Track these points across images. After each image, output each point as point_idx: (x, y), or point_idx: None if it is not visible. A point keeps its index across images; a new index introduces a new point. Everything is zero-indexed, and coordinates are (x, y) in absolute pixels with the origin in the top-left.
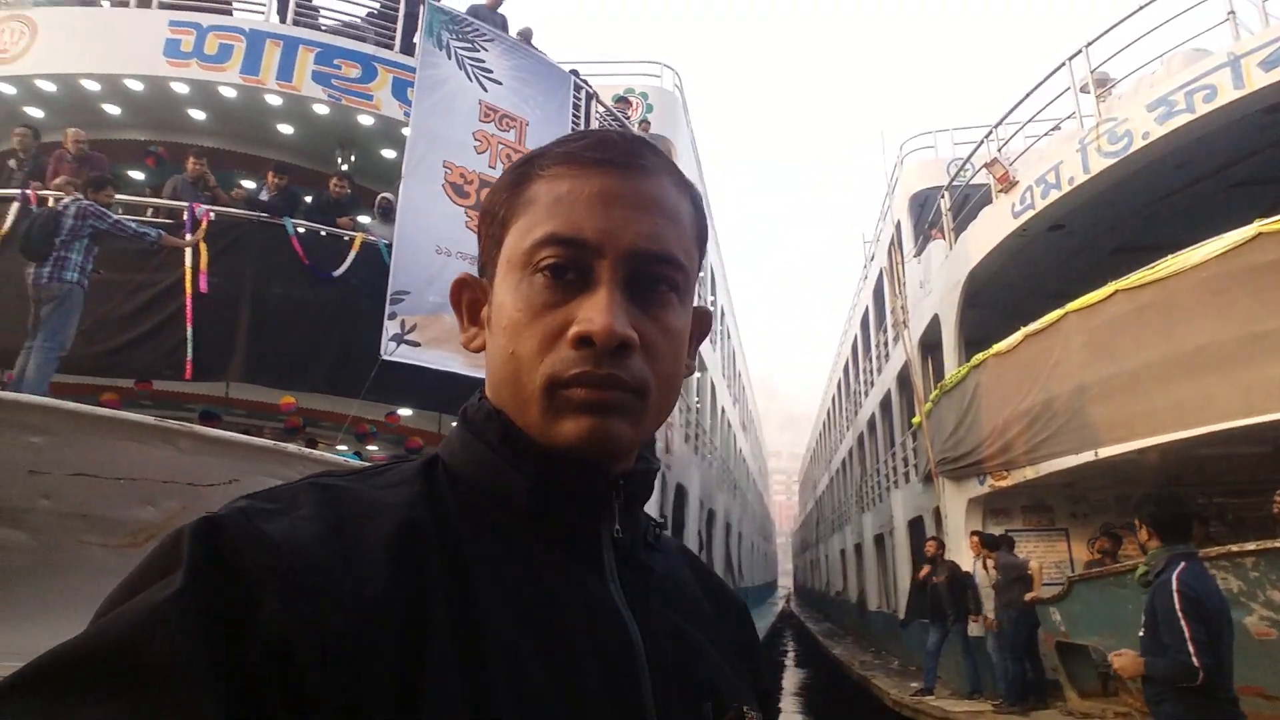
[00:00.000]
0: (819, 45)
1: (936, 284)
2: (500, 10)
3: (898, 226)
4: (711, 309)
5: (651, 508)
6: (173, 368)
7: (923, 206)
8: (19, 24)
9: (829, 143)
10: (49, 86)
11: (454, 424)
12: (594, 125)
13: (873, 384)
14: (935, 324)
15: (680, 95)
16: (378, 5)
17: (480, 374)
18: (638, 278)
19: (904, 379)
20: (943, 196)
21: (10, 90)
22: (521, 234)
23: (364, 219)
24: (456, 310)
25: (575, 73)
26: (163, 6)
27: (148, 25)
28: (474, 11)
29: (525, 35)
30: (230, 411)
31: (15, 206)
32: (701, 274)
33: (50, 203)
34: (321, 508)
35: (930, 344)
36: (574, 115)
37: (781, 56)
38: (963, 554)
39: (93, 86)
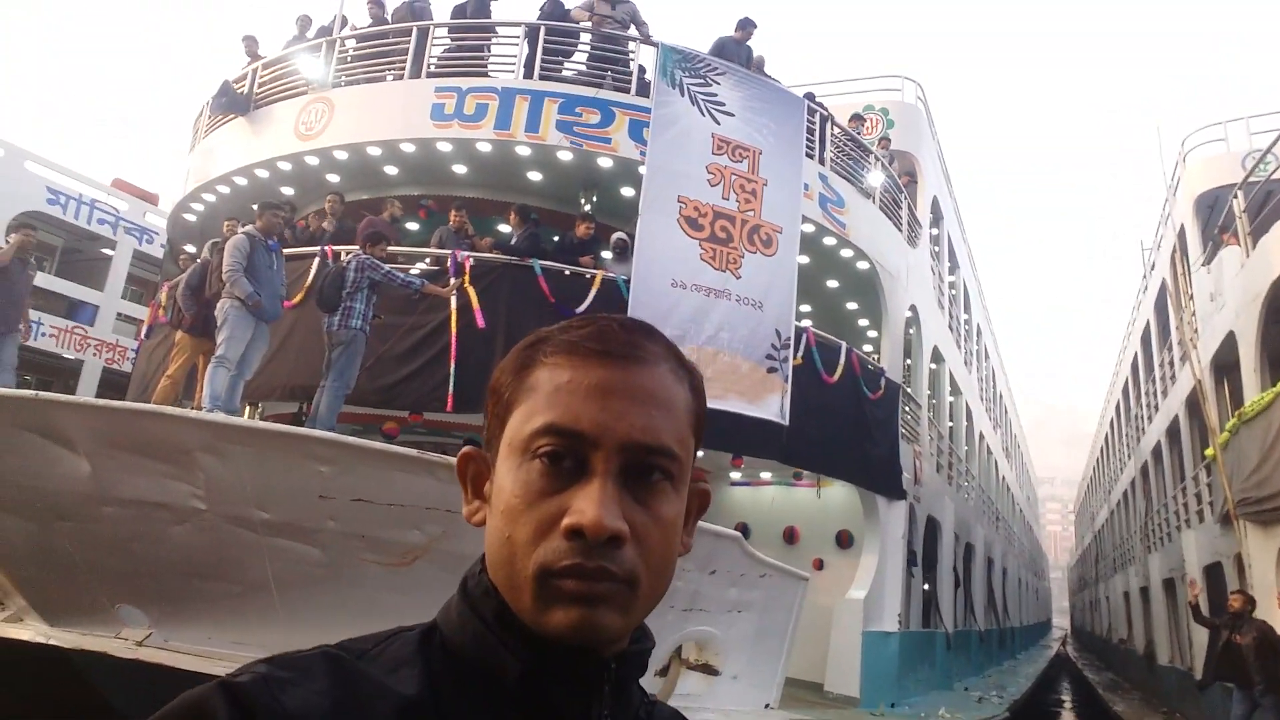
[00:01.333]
0: (1086, 33)
1: (1231, 297)
2: (748, 42)
3: (1181, 232)
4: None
5: (895, 543)
6: (438, 401)
7: (1211, 208)
8: (321, 104)
9: (1099, 136)
10: (342, 155)
11: (456, 592)
12: (828, 148)
13: (1156, 408)
14: (1230, 342)
15: (924, 108)
16: (612, 51)
17: (728, 407)
18: (632, 468)
19: (1194, 404)
20: (1236, 196)
21: (314, 161)
22: (523, 419)
23: (606, 254)
24: (462, 482)
25: (810, 96)
26: (431, 75)
27: (418, 94)
28: (721, 44)
29: (758, 64)
30: None
31: (316, 262)
32: (953, 291)
33: (342, 259)
34: (332, 683)
35: (1225, 365)
36: (808, 139)
37: (1041, 50)
38: (1273, 612)
39: (375, 152)
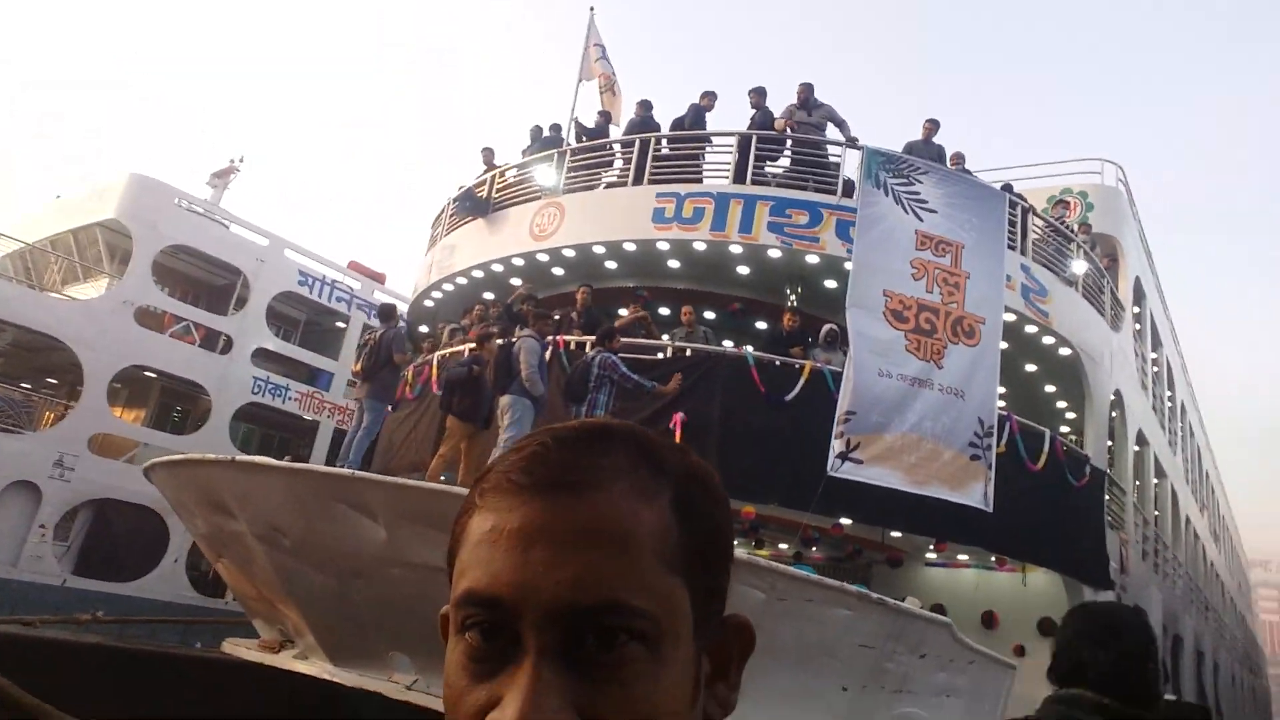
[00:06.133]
0: None
1: None
2: (935, 140)
3: None
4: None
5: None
6: None
7: None
8: (553, 209)
9: None
10: (570, 253)
11: None
12: (1029, 239)
13: None
14: None
15: (1125, 189)
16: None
17: (930, 493)
18: (579, 635)
19: None
20: None
21: (545, 258)
22: (455, 582)
23: (817, 350)
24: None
25: (1008, 187)
26: (651, 182)
27: (640, 199)
28: (910, 147)
29: (958, 160)
30: None
31: (549, 354)
32: (1156, 369)
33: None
34: None
35: None
36: (1010, 231)
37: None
38: None
39: (599, 250)
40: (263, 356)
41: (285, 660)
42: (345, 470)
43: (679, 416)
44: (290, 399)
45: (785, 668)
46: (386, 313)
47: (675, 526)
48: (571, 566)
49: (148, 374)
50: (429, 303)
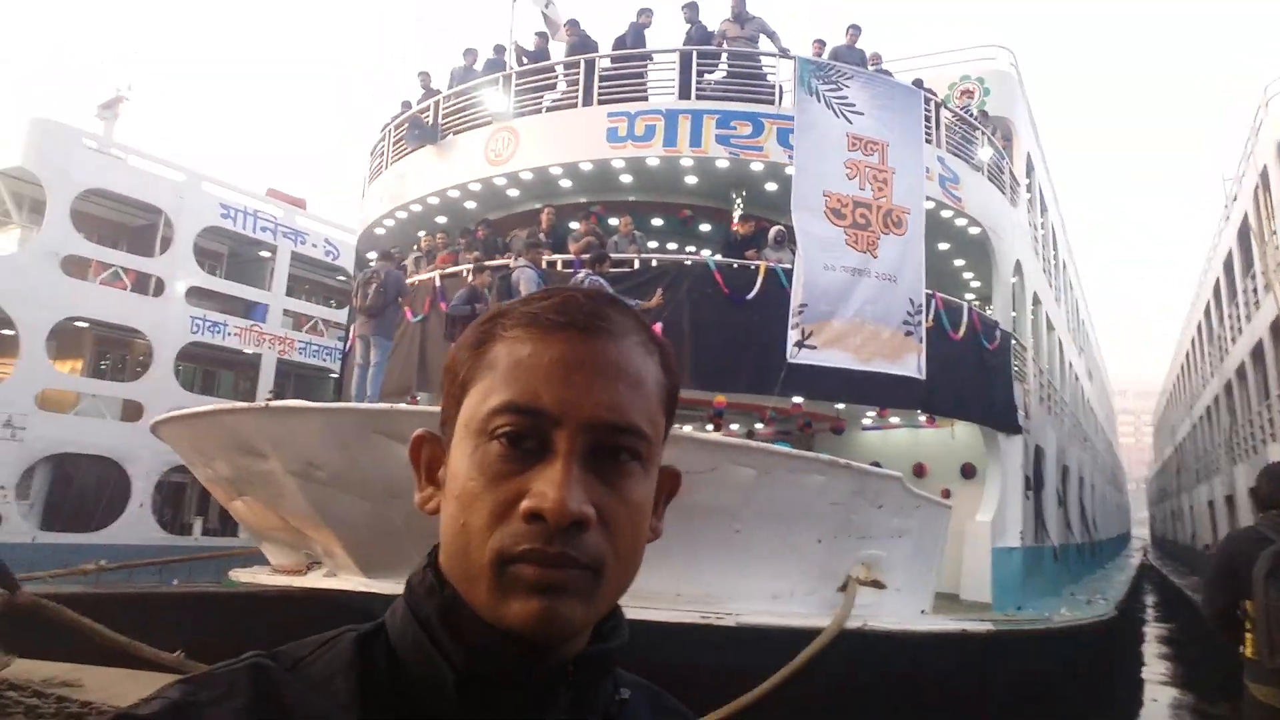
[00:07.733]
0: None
1: None
2: (857, 45)
3: (1263, 173)
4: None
5: (1015, 472)
6: None
7: None
8: (507, 134)
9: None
10: (527, 175)
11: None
12: (942, 131)
13: (1240, 330)
14: None
15: (1016, 73)
16: (757, 67)
17: (874, 368)
18: (598, 448)
19: (1278, 330)
20: None
21: (501, 181)
22: (480, 398)
23: (769, 251)
24: (415, 468)
25: (919, 82)
26: (600, 102)
27: (593, 120)
28: (835, 52)
29: (876, 60)
30: (683, 409)
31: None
32: (1043, 233)
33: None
34: (253, 700)
35: None
36: (926, 125)
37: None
38: None
39: (556, 171)
40: (197, 294)
41: (314, 580)
42: (384, 405)
43: (657, 326)
44: (230, 334)
45: (773, 529)
46: (387, 254)
47: (663, 380)
48: (607, 393)
49: (78, 324)
50: (380, 230)
